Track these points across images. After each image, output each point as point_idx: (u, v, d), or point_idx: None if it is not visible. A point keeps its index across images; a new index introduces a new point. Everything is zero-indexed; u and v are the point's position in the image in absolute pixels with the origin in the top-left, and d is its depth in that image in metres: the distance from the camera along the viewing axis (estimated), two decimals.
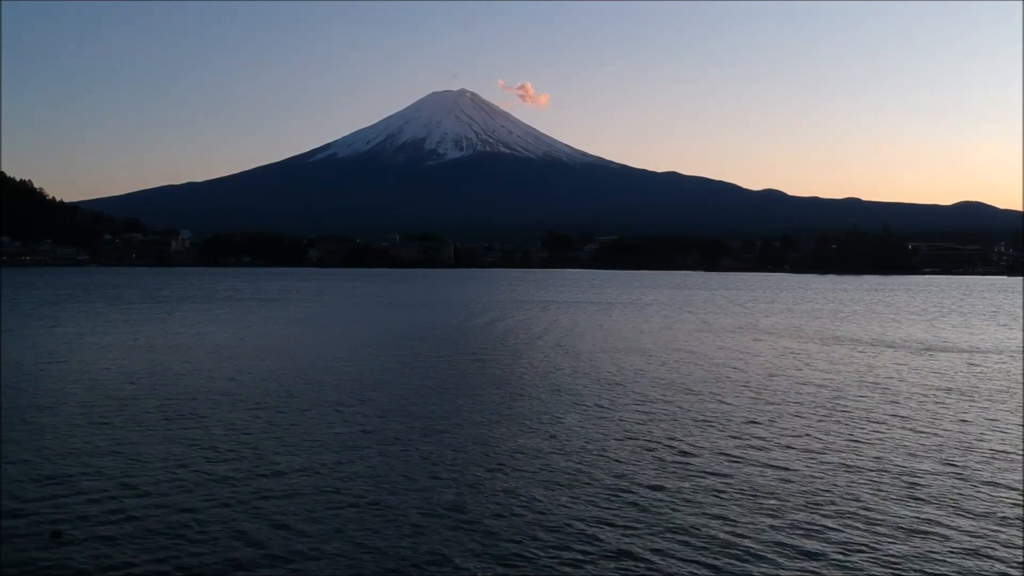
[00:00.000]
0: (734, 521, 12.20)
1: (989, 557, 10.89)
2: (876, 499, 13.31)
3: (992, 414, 20.61)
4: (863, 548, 11.17)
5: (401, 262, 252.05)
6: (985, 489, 13.90)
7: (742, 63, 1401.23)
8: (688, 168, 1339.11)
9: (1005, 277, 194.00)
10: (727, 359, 31.85)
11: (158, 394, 22.52)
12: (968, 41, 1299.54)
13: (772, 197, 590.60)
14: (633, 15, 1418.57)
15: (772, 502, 13.13)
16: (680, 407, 21.25)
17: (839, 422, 19.49)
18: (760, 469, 15.11)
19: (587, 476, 14.56)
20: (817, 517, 12.41)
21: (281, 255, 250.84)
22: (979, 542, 11.40)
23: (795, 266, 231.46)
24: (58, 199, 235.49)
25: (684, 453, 16.28)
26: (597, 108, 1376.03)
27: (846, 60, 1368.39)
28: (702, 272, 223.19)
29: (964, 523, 12.17)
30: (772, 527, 11.96)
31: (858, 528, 11.93)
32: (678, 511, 12.67)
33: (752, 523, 12.12)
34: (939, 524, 12.12)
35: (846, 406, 21.62)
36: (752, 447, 16.83)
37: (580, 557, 10.85)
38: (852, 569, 10.49)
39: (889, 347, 36.83)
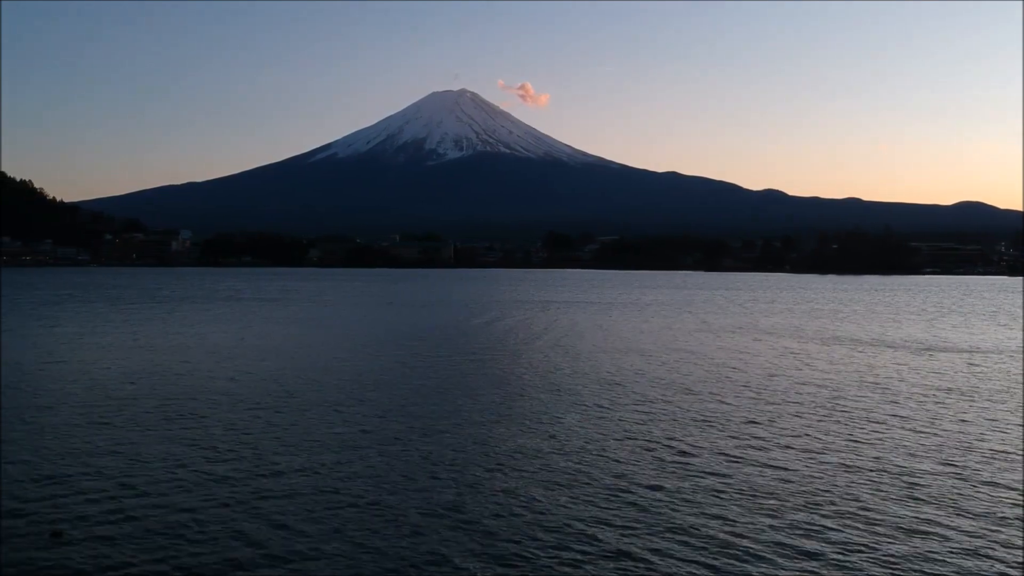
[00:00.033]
0: (733, 521, 12.20)
1: (989, 557, 10.88)
2: (876, 499, 13.31)
3: (992, 414, 20.60)
4: (863, 548, 11.16)
5: (401, 262, 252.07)
6: (985, 489, 13.90)
7: (742, 63, 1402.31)
8: (688, 168, 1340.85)
9: (1006, 277, 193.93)
10: (727, 359, 31.84)
11: (158, 394, 22.52)
12: (968, 41, 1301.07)
13: (772, 197, 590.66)
14: (633, 15, 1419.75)
15: (772, 502, 13.12)
16: (679, 407, 21.25)
17: (839, 422, 19.48)
18: (759, 469, 15.11)
19: (586, 476, 14.55)
20: (817, 517, 12.40)
21: (281, 255, 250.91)
22: (979, 542, 11.39)
23: (796, 266, 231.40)
24: (58, 199, 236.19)
25: (683, 453, 16.28)
26: (597, 108, 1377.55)
27: (846, 60, 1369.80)
28: (702, 272, 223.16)
29: (964, 523, 12.16)
30: (772, 527, 11.96)
31: (858, 528, 11.93)
32: (677, 511, 12.66)
33: (752, 523, 12.12)
34: (939, 524, 12.11)
35: (846, 406, 21.61)
36: (752, 447, 16.82)
37: (579, 557, 10.84)
38: (852, 569, 10.49)
39: (889, 347, 36.81)
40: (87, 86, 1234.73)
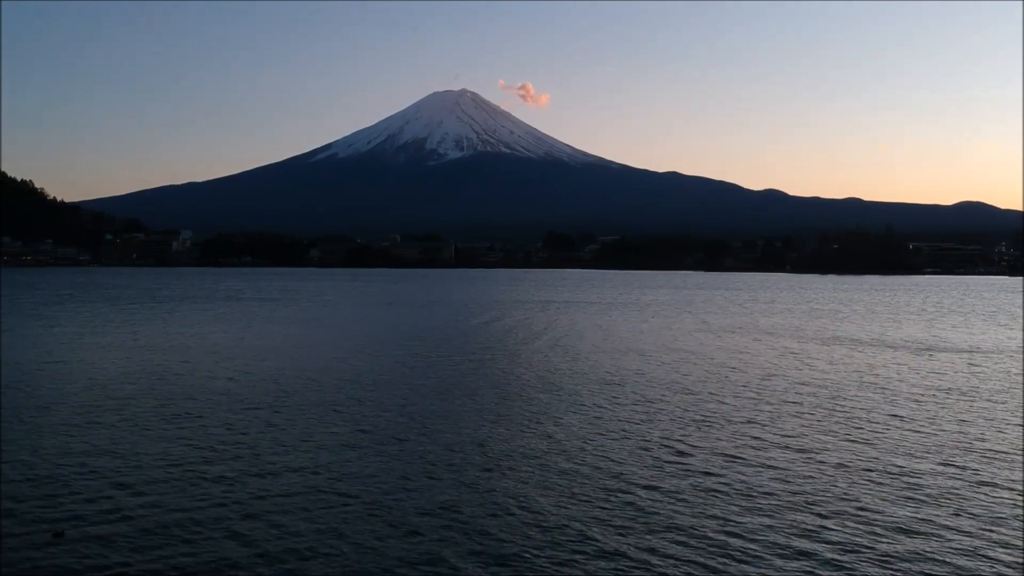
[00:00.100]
0: (732, 521, 12.17)
1: (989, 557, 10.85)
2: (875, 499, 13.28)
3: (992, 414, 20.57)
4: (862, 548, 11.13)
5: (402, 262, 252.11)
6: (985, 489, 13.86)
7: (742, 63, 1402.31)
8: (689, 168, 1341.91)
9: (1006, 277, 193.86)
10: (726, 359, 31.81)
11: (157, 394, 22.51)
12: (968, 41, 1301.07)
13: (773, 197, 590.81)
14: (633, 15, 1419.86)
15: (771, 502, 13.09)
16: (679, 407, 21.22)
17: (838, 422, 19.44)
18: (759, 469, 15.07)
19: (585, 476, 14.53)
20: (816, 517, 12.37)
21: (282, 255, 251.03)
22: (979, 542, 11.36)
23: (796, 266, 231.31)
24: (59, 199, 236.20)
25: (682, 453, 16.25)
26: (598, 108, 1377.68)
27: (846, 60, 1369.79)
28: (703, 272, 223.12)
29: (964, 523, 12.13)
30: (771, 527, 11.93)
31: (857, 528, 11.89)
32: (676, 512, 12.63)
33: (751, 523, 12.09)
34: (939, 524, 12.08)
35: (846, 406, 21.58)
36: (751, 447, 16.79)
37: (578, 557, 10.81)
38: (851, 569, 10.46)
39: (889, 347, 36.78)
40: (87, 86, 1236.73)
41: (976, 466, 15.36)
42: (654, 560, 10.73)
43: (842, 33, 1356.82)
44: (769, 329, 45.89)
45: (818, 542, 11.36)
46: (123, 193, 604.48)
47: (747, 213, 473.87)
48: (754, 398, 22.72)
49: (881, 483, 14.21)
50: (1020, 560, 10.78)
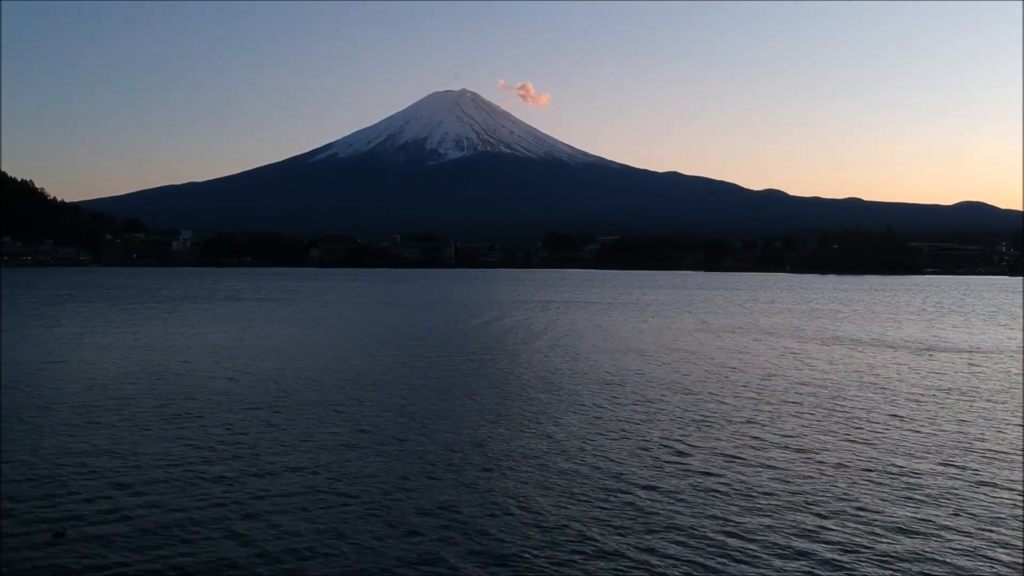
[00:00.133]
0: (732, 522, 12.16)
1: (989, 557, 10.84)
2: (875, 499, 13.27)
3: (992, 414, 20.57)
4: (862, 548, 11.12)
5: (402, 262, 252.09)
6: (985, 489, 13.86)
7: (742, 63, 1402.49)
8: (689, 168, 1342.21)
9: (1006, 277, 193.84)
10: (726, 359, 31.80)
11: (157, 394, 22.50)
12: (968, 41, 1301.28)
13: (773, 197, 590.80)
14: (633, 15, 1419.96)
15: (771, 502, 13.09)
16: (678, 407, 21.21)
17: (839, 422, 19.44)
18: (758, 469, 15.07)
19: (584, 476, 14.52)
20: (816, 517, 12.36)
21: (282, 255, 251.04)
22: (979, 542, 11.36)
23: (796, 266, 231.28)
24: (59, 199, 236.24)
25: (682, 453, 16.24)
26: (598, 108, 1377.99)
27: (846, 60, 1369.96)
28: (703, 272, 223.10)
29: (964, 523, 12.13)
30: (770, 527, 11.92)
31: (857, 528, 11.89)
32: (676, 512, 12.63)
33: (750, 523, 12.08)
34: (939, 524, 12.07)
35: (846, 406, 21.57)
36: (750, 447, 16.78)
37: (577, 558, 10.81)
38: (851, 570, 10.45)
39: (889, 347, 36.77)
40: (87, 86, 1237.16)
41: (976, 466, 15.36)
42: (653, 560, 10.72)
43: (842, 33, 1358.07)
44: (769, 329, 45.89)
45: (818, 542, 11.35)
46: (123, 193, 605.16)
47: (747, 213, 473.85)
48: (754, 398, 22.71)
49: (881, 483, 14.20)
50: (1020, 560, 10.77)
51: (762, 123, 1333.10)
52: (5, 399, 21.23)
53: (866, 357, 32.95)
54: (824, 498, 13.32)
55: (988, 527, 11.96)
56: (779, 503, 13.04)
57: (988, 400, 22.66)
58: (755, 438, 17.60)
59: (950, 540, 11.45)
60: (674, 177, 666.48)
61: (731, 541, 11.37)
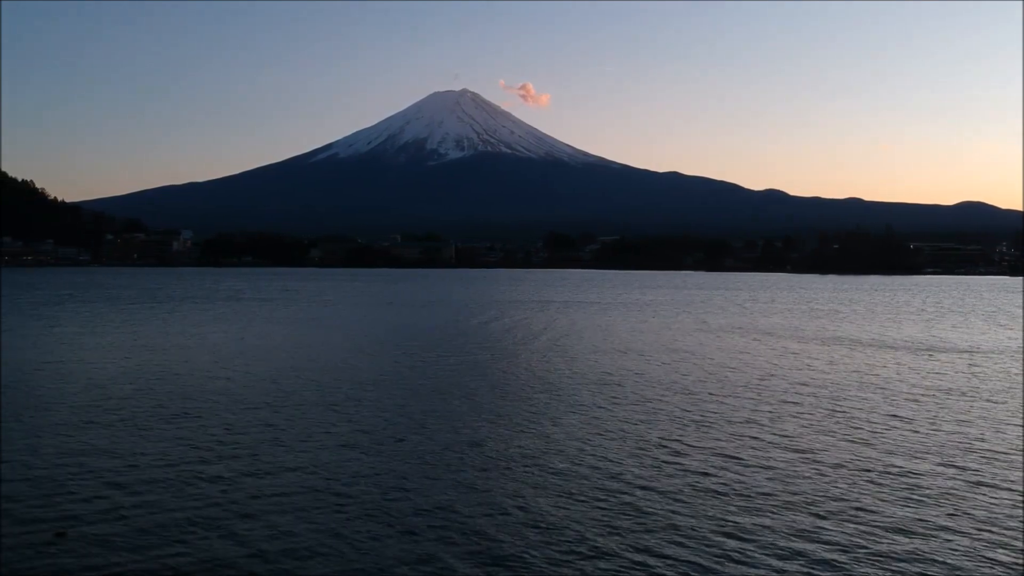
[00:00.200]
0: (731, 522, 12.16)
1: (988, 557, 10.84)
2: (875, 499, 13.27)
3: (992, 414, 20.56)
4: (862, 549, 11.11)
5: (402, 262, 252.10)
6: (985, 489, 13.85)
7: (742, 63, 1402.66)
8: (689, 168, 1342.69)
9: (1007, 277, 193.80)
10: (726, 359, 31.80)
11: (157, 394, 22.50)
12: (968, 41, 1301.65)
13: (773, 197, 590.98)
14: (633, 15, 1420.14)
15: (770, 503, 13.08)
16: (677, 407, 21.21)
17: (838, 422, 19.43)
18: (758, 470, 15.06)
19: (583, 477, 14.52)
20: (815, 518, 12.36)
21: (282, 255, 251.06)
22: (978, 542, 11.35)
23: (796, 266, 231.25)
24: (60, 199, 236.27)
25: (681, 454, 16.24)
26: (598, 108, 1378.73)
27: (846, 60, 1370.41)
28: (703, 272, 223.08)
29: (963, 523, 12.12)
30: (770, 528, 11.92)
31: (856, 529, 11.88)
32: (674, 512, 12.62)
33: (749, 524, 12.08)
34: (938, 524, 12.07)
35: (845, 406, 21.56)
36: (750, 447, 16.77)
37: (575, 558, 10.81)
38: (850, 570, 10.45)
39: (889, 347, 36.76)
40: (87, 86, 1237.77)
41: (976, 466, 15.35)
42: (652, 561, 10.72)
43: (842, 33, 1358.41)
44: (769, 329, 45.87)
45: (817, 543, 11.35)
46: (123, 193, 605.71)
47: (747, 213, 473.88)
48: (753, 398, 22.70)
49: (880, 483, 14.20)
50: (1020, 560, 10.77)
51: (762, 123, 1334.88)
52: (5, 399, 21.22)
53: (866, 357, 32.94)
54: (823, 498, 13.31)
55: (988, 527, 11.95)
56: (778, 503, 13.03)
57: (988, 400, 22.65)
58: (754, 438, 17.59)
59: (949, 540, 11.45)
60: (674, 177, 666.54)
61: (730, 541, 11.36)
